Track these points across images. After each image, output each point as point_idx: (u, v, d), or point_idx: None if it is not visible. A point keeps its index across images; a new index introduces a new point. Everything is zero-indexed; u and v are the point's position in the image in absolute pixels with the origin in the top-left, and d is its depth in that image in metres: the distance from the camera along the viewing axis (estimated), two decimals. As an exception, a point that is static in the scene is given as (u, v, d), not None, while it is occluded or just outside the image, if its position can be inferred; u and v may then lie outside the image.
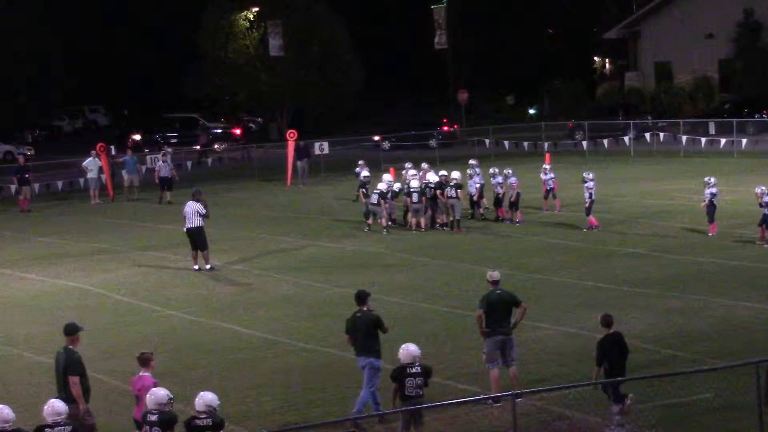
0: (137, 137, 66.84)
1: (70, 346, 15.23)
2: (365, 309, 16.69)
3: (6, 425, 12.47)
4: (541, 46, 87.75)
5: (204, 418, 12.72)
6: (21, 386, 19.24)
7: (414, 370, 14.72)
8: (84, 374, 15.10)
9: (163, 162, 44.88)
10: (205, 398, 12.85)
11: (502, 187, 34.14)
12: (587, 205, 31.72)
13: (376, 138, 61.34)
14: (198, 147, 62.66)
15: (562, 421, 15.85)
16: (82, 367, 15.05)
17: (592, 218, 31.83)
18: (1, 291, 27.84)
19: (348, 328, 16.67)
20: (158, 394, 13.01)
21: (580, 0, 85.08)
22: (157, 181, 45.74)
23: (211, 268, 28.62)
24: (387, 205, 33.56)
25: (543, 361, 19.03)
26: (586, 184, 31.64)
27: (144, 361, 14.83)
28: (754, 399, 14.47)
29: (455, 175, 33.25)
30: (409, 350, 14.83)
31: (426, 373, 14.84)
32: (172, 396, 13.06)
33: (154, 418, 12.85)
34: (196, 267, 28.68)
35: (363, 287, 24.78)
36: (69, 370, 14.93)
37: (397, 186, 34.30)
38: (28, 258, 32.23)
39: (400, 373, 14.76)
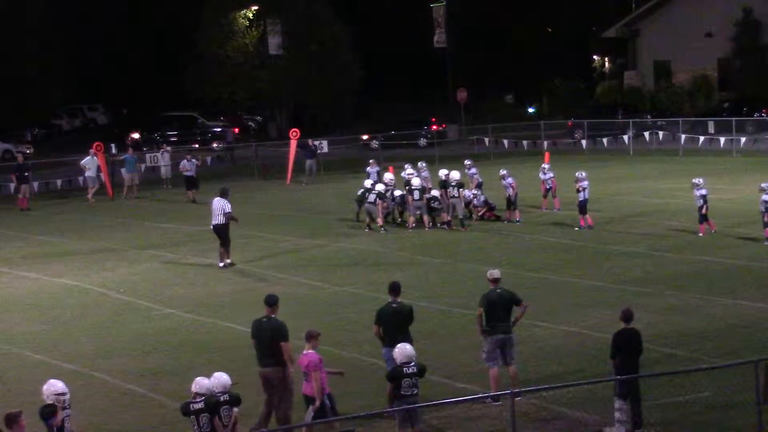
0: (136, 136, 66.82)
1: (273, 315, 16.18)
2: (400, 300, 16.78)
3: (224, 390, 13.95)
4: (540, 44, 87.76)
5: (200, 401, 13.74)
6: (20, 385, 19.22)
7: (410, 370, 14.72)
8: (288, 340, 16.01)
9: (188, 161, 44.43)
10: (208, 381, 13.94)
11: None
12: (582, 203, 31.68)
13: (365, 137, 61.45)
14: (196, 146, 62.75)
15: (561, 420, 15.86)
16: (288, 333, 16.02)
17: (588, 217, 31.82)
18: (1, 290, 27.83)
19: (380, 319, 16.65)
20: (222, 378, 14.05)
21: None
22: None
23: (231, 264, 28.76)
24: (385, 205, 33.52)
25: (542, 359, 19.04)
26: (580, 184, 31.63)
27: (310, 337, 15.36)
28: (753, 397, 14.47)
29: (455, 174, 33.28)
30: (405, 350, 14.83)
31: (421, 372, 14.87)
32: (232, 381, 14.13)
33: (199, 405, 13.73)
34: (222, 264, 28.78)
35: (361, 286, 24.79)
36: (280, 337, 15.87)
37: (398, 192, 34.22)
38: (28, 256, 32.23)
39: (397, 373, 14.76)
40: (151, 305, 24.93)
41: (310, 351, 15.25)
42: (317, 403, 15.05)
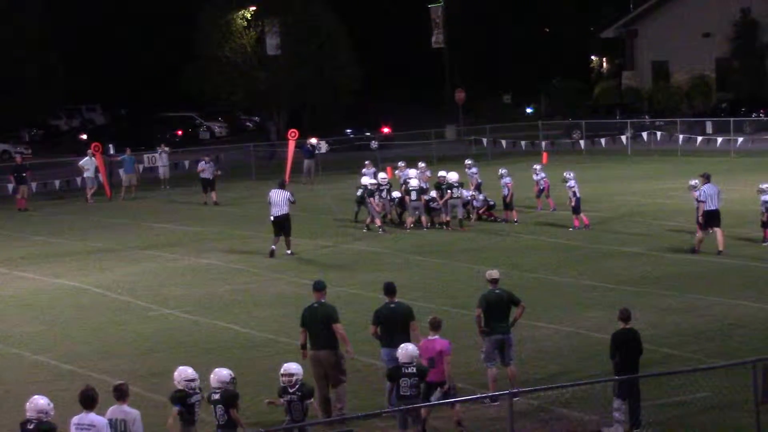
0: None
1: (323, 300, 16.72)
2: (397, 300, 16.79)
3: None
4: (538, 45, 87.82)
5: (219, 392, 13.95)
6: (18, 385, 19.21)
7: (410, 371, 14.73)
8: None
9: (206, 163, 43.92)
10: (219, 375, 14.16)
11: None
12: (573, 204, 31.62)
13: (313, 140, 61.87)
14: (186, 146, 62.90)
15: (559, 420, 15.86)
16: (338, 315, 16.68)
17: (583, 216, 31.82)
18: (-1, 290, 27.87)
19: (378, 320, 16.63)
20: (221, 373, 14.17)
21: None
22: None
23: (292, 254, 29.30)
24: (381, 204, 33.44)
25: (540, 359, 19.04)
26: (567, 184, 31.66)
27: (438, 325, 15.72)
28: (752, 397, 14.48)
29: (454, 175, 33.26)
30: (407, 350, 14.85)
31: (421, 374, 14.87)
32: (234, 375, 14.29)
33: (216, 396, 13.93)
34: (290, 252, 29.45)
35: (360, 287, 24.76)
36: (333, 320, 16.41)
37: (396, 194, 34.26)
38: (26, 257, 32.21)
39: (396, 373, 14.78)
40: (149, 305, 24.92)
41: (435, 337, 15.54)
42: (446, 387, 15.41)
